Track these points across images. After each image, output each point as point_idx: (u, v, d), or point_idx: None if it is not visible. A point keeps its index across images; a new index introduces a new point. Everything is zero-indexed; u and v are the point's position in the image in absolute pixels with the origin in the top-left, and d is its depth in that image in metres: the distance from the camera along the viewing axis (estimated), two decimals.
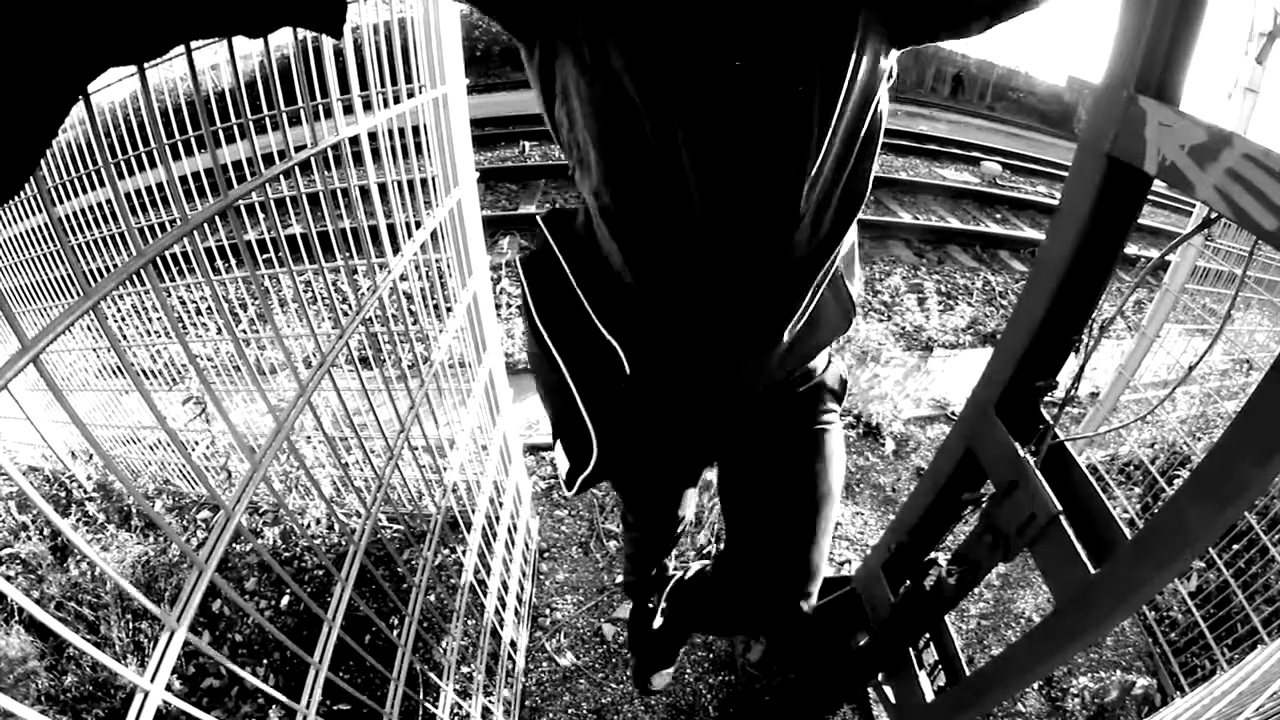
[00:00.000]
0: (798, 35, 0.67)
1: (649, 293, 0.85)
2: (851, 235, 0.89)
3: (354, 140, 0.91)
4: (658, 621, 1.64)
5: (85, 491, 2.37)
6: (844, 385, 1.10)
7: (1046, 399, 1.13)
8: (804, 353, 0.96)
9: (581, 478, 0.97)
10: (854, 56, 0.69)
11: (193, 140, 1.95)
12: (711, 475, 1.62)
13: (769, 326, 0.88)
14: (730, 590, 1.29)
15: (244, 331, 2.95)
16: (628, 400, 0.92)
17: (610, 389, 0.91)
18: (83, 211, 2.24)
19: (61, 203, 2.21)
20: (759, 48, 0.67)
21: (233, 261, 2.88)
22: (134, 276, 0.52)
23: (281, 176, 0.73)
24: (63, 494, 2.39)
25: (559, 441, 1.02)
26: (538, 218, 0.97)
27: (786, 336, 0.89)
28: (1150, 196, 0.97)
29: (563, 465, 1.01)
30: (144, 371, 2.70)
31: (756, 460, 1.09)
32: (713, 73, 0.67)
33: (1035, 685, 1.97)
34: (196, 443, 2.32)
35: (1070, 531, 1.00)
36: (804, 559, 1.10)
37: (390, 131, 1.13)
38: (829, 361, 1.08)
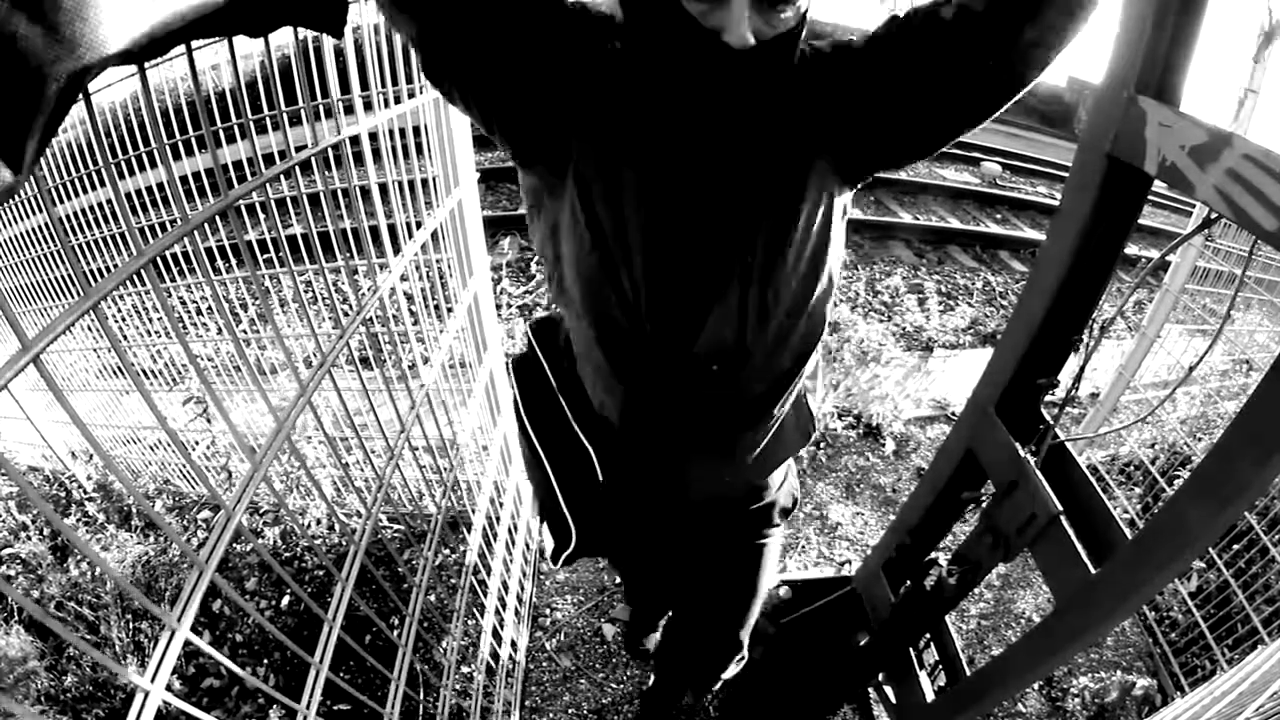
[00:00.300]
0: (749, 191, 0.73)
1: (614, 413, 0.91)
2: (814, 360, 0.94)
3: (354, 140, 0.91)
4: (650, 681, 1.79)
5: (85, 491, 2.37)
6: (795, 502, 1.19)
7: (1047, 399, 1.13)
8: (759, 470, 1.01)
9: (563, 557, 1.06)
10: (806, 206, 0.75)
11: (193, 140, 1.95)
12: None
13: (723, 451, 0.94)
14: (673, 653, 1.51)
15: (244, 331, 2.95)
16: (601, 499, 1.00)
17: (586, 487, 0.99)
18: (83, 211, 2.24)
19: (62, 203, 2.21)
20: (713, 203, 0.73)
21: (233, 261, 2.88)
22: (134, 276, 0.52)
23: (282, 176, 0.73)
24: (63, 494, 2.39)
25: (545, 523, 1.12)
26: (526, 326, 1.06)
27: (742, 458, 0.96)
28: (1150, 196, 0.97)
29: (549, 543, 1.11)
30: (144, 371, 2.70)
31: (705, 560, 1.20)
32: (672, 219, 0.73)
33: (1035, 685, 1.97)
34: (196, 443, 2.32)
35: (1070, 531, 1.00)
36: (731, 640, 1.32)
37: (391, 131, 1.13)
38: (784, 477, 1.14)
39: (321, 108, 1.22)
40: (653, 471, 0.96)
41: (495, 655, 1.67)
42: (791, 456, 1.08)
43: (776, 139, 0.74)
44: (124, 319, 2.81)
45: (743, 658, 1.43)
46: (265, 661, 1.78)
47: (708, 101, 0.66)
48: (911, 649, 1.48)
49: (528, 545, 2.16)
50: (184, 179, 1.17)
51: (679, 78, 0.66)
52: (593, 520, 1.01)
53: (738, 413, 0.89)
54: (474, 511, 1.57)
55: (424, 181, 1.31)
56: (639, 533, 1.10)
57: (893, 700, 1.57)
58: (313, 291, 3.53)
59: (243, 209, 0.70)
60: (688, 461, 0.94)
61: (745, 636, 1.35)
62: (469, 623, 1.76)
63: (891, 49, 0.72)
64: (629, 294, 0.77)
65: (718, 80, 0.64)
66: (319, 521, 2.12)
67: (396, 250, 1.10)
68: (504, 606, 1.76)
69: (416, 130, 1.31)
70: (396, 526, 2.19)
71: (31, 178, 0.39)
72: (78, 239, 2.28)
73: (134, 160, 2.06)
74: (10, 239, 2.38)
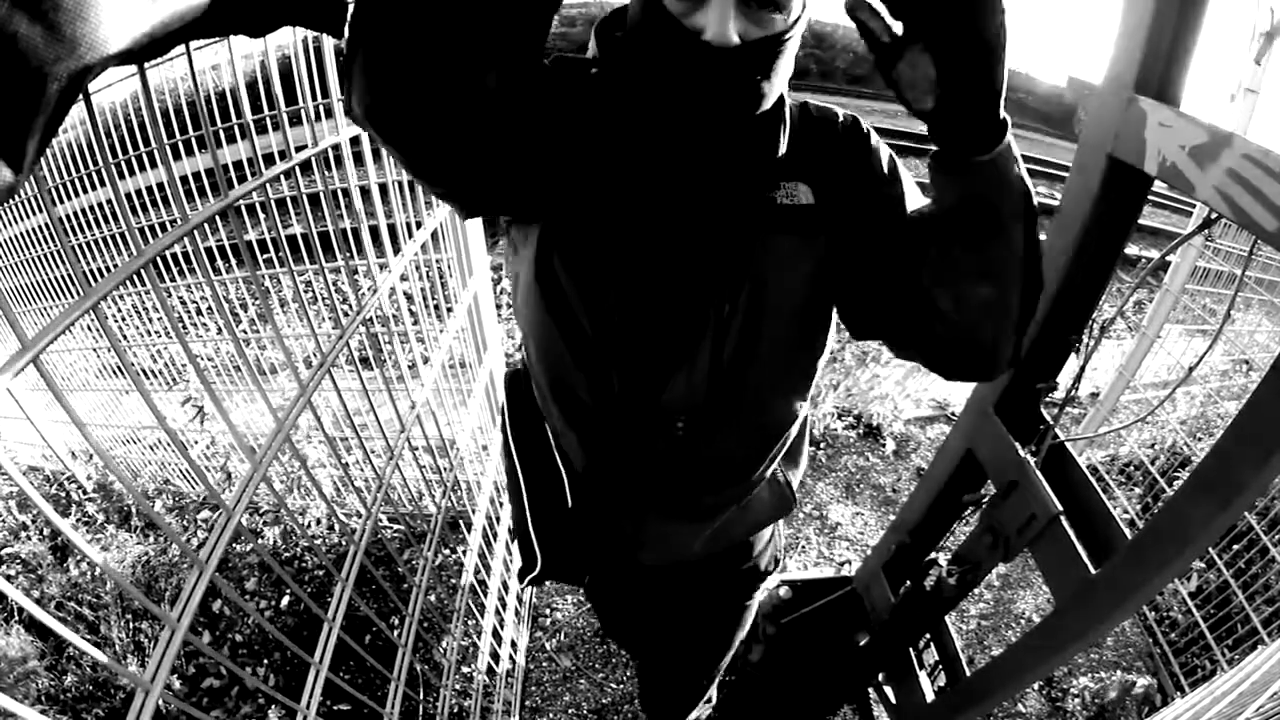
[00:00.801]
0: (732, 229, 0.69)
1: (578, 460, 0.90)
2: (793, 432, 0.90)
3: (354, 140, 0.91)
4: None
5: (85, 492, 2.37)
6: (777, 563, 1.15)
7: (1047, 399, 1.13)
8: (718, 540, 0.96)
9: (529, 578, 1.03)
10: (803, 264, 0.71)
11: (193, 140, 1.95)
12: None
13: (682, 515, 0.90)
14: (643, 689, 1.55)
15: (244, 331, 2.95)
16: (568, 526, 0.97)
17: (556, 512, 0.96)
18: (83, 211, 2.25)
19: (62, 203, 2.21)
20: (691, 241, 0.69)
21: (233, 261, 2.89)
22: (134, 276, 0.52)
23: (282, 176, 0.73)
24: (63, 494, 2.39)
25: (515, 541, 1.09)
26: (522, 347, 1.04)
27: (701, 525, 0.92)
28: (1150, 196, 0.97)
29: (518, 561, 1.09)
30: (144, 371, 2.70)
31: (673, 613, 1.17)
32: (647, 262, 0.70)
33: (1035, 685, 1.97)
34: (195, 442, 2.32)
35: (1070, 532, 1.00)
36: (697, 688, 1.34)
37: None
38: (770, 538, 1.11)
39: (322, 107, 1.22)
40: (610, 524, 0.94)
41: (495, 655, 1.66)
42: (760, 530, 1.05)
43: (770, 173, 0.69)
44: (124, 319, 2.81)
45: (710, 699, 1.43)
46: (265, 661, 1.78)
47: (690, 108, 0.62)
48: (911, 649, 1.48)
49: None
50: (184, 179, 1.17)
51: (660, 83, 0.62)
52: (558, 546, 1.00)
53: (701, 476, 0.85)
54: (474, 511, 1.57)
55: None
56: (602, 569, 1.08)
57: (893, 700, 1.57)
58: (313, 291, 3.54)
59: (243, 209, 0.71)
60: (644, 520, 0.91)
61: (713, 684, 1.34)
62: (469, 623, 1.76)
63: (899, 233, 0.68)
64: (591, 342, 0.74)
65: (699, 81, 0.60)
66: (319, 521, 2.12)
67: (396, 250, 1.10)
68: (504, 606, 1.76)
69: None
70: (396, 526, 2.19)
71: (31, 178, 0.39)
72: (78, 239, 2.28)
73: (134, 160, 2.06)
74: (10, 239, 2.38)
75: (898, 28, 0.53)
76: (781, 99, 0.69)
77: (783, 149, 0.69)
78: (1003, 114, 0.54)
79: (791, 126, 0.71)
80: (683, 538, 0.94)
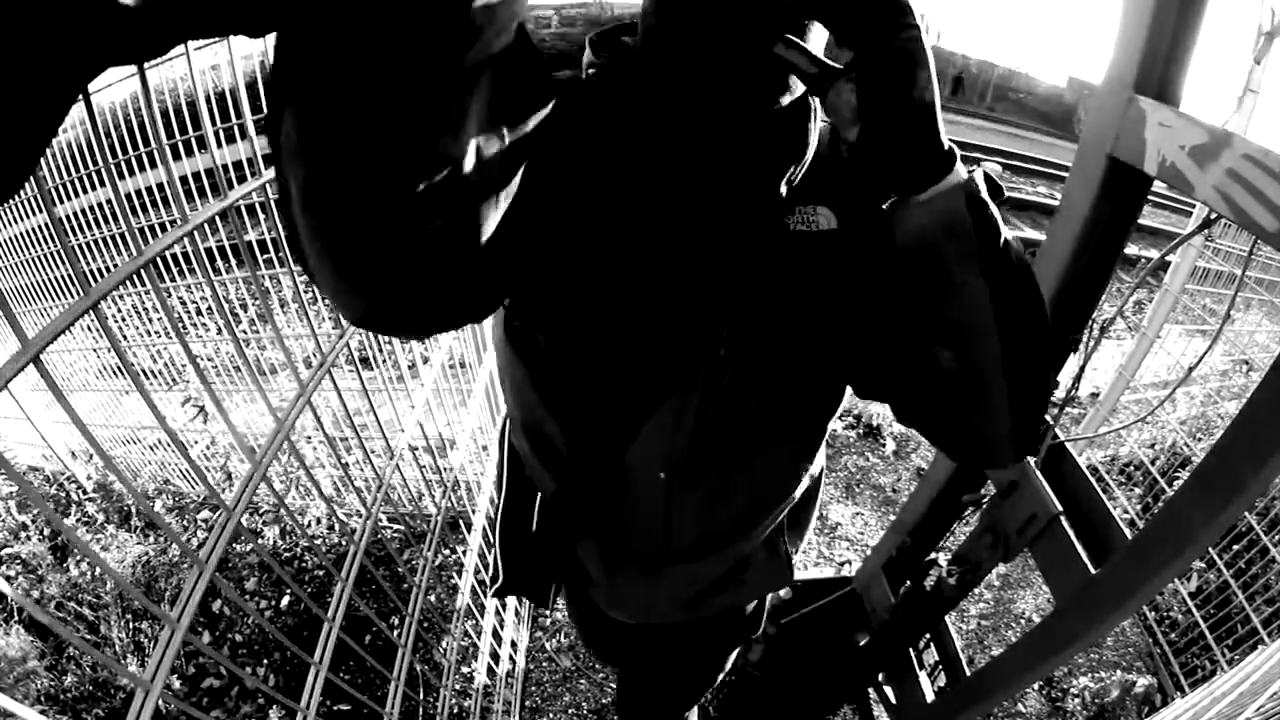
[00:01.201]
0: (721, 281, 0.60)
1: (548, 493, 0.83)
2: (797, 495, 0.82)
3: None
4: None
5: (85, 492, 2.37)
6: (758, 627, 1.10)
7: None
8: (709, 607, 0.88)
9: (494, 589, 0.99)
10: (823, 289, 0.63)
11: (193, 140, 1.95)
12: None
13: (659, 573, 0.82)
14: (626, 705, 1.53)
15: (244, 332, 2.95)
16: (529, 549, 0.92)
17: (521, 530, 0.91)
18: (83, 212, 2.25)
19: (62, 203, 2.21)
20: (688, 259, 0.60)
21: (233, 261, 2.88)
22: (134, 276, 0.52)
23: None
24: (63, 494, 2.39)
25: (491, 547, 1.05)
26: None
27: (677, 592, 0.85)
28: (1150, 196, 0.97)
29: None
30: (144, 371, 2.70)
31: (654, 659, 1.13)
32: (624, 306, 0.61)
33: (1035, 685, 1.97)
34: (195, 442, 2.32)
35: (1070, 532, 1.00)
36: (673, 710, 1.32)
37: None
38: (759, 603, 1.07)
39: None
40: (572, 563, 0.87)
41: (495, 655, 1.67)
42: (759, 597, 0.97)
43: (788, 195, 0.58)
44: (124, 319, 2.81)
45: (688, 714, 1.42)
46: (265, 661, 1.78)
47: (718, 62, 0.52)
48: (911, 649, 1.48)
49: None
50: (184, 179, 1.17)
51: (686, 41, 0.52)
52: (519, 565, 0.94)
53: (683, 538, 0.76)
54: (474, 511, 1.57)
55: None
56: (569, 596, 1.04)
57: (893, 700, 1.57)
58: (313, 291, 3.53)
59: (243, 209, 0.70)
60: (615, 573, 0.83)
61: (690, 709, 1.32)
62: (469, 623, 1.76)
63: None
64: (566, 390, 0.67)
65: (729, 30, 0.50)
66: (319, 521, 2.12)
67: None
68: (504, 607, 1.76)
69: None
70: (396, 526, 2.19)
71: (31, 178, 0.39)
72: (78, 239, 2.28)
73: (134, 160, 2.06)
74: (10, 239, 2.38)
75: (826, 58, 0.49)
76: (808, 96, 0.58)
77: (812, 147, 0.59)
78: (947, 147, 0.49)
79: (819, 148, 0.61)
80: (657, 603, 0.86)
